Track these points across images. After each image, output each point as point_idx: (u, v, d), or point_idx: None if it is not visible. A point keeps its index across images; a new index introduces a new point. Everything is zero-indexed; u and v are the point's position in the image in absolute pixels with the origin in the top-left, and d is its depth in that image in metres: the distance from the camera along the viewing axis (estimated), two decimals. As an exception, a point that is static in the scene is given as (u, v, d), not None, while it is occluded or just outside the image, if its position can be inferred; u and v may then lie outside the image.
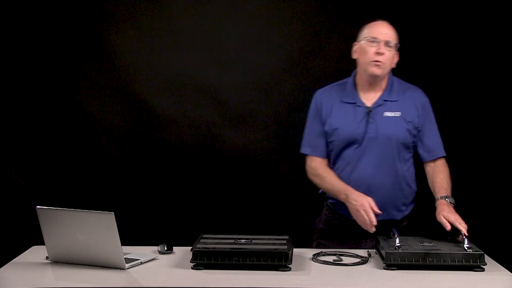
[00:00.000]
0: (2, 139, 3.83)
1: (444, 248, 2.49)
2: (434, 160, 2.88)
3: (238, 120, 3.94)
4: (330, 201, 2.97)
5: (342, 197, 2.79)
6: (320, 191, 2.98)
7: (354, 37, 3.83)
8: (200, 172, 3.96)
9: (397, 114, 2.82)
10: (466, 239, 2.48)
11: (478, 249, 2.46)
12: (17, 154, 3.86)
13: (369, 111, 2.82)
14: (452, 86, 3.75)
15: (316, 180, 2.93)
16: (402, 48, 2.91)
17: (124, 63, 3.87)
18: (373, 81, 2.84)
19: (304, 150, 2.98)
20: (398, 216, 2.90)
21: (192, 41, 3.87)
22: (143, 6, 3.85)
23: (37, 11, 3.78)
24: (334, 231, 2.95)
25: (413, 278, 2.35)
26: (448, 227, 2.57)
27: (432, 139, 2.88)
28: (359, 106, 2.84)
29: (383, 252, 2.49)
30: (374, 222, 2.65)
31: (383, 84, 2.86)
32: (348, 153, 2.85)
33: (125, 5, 3.84)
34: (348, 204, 2.75)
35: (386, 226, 2.72)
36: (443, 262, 2.42)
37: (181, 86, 3.90)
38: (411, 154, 2.90)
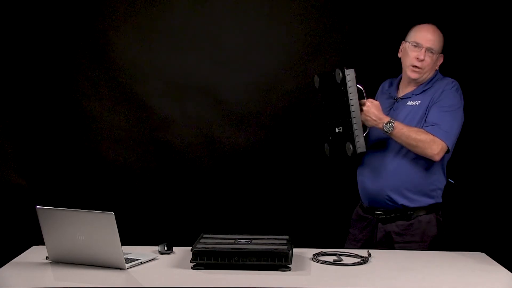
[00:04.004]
0: (2, 139, 3.83)
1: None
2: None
3: (238, 120, 3.94)
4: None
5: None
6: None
7: (353, 37, 3.87)
8: (200, 172, 3.96)
9: (417, 103, 2.95)
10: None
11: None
12: (17, 154, 3.86)
13: (396, 101, 3.01)
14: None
15: None
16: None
17: (124, 63, 3.87)
18: (411, 81, 3.01)
19: None
20: (410, 204, 2.92)
21: (192, 41, 3.87)
22: (143, 6, 3.85)
23: (37, 12, 3.78)
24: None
25: (413, 278, 2.35)
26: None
27: (434, 117, 2.87)
28: (392, 96, 3.05)
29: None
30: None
31: (421, 82, 3.01)
32: (374, 133, 3.01)
33: (125, 5, 3.84)
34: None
35: (394, 215, 2.92)
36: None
37: (181, 86, 3.90)
38: None
